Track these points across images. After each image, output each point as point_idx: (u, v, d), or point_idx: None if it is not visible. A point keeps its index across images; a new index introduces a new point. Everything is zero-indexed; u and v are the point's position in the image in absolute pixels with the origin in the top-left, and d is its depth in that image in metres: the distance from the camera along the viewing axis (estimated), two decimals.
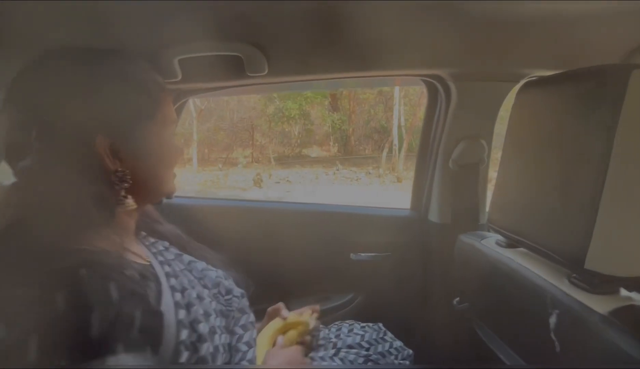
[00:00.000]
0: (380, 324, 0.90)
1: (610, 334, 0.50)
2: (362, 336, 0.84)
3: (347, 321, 0.92)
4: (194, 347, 0.49)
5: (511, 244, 0.77)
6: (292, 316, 0.78)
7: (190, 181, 7.92)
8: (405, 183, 7.08)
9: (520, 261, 0.71)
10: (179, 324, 0.48)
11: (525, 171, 0.70)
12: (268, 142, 9.07)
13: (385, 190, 6.82)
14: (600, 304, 0.54)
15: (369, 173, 8.03)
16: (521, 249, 0.75)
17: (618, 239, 0.54)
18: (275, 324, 0.77)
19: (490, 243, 0.83)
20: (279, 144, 9.28)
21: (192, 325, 0.50)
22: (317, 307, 0.85)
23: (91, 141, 0.47)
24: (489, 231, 1.03)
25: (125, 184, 0.50)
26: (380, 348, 0.82)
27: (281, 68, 0.84)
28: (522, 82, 0.92)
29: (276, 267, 1.14)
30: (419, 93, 7.72)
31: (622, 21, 0.78)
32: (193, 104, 7.79)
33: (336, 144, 9.34)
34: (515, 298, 0.70)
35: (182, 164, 8.58)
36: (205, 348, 0.50)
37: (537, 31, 0.80)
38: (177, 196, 1.21)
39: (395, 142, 7.64)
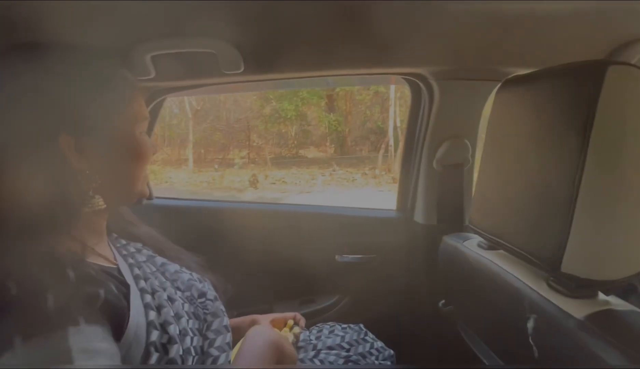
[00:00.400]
0: (361, 325, 0.90)
1: (586, 339, 0.49)
2: (343, 337, 0.84)
3: (329, 323, 0.92)
4: (164, 348, 0.49)
5: (492, 246, 0.76)
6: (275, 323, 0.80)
7: (186, 181, 7.89)
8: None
9: (500, 264, 0.69)
10: (150, 325, 0.49)
11: (505, 171, 0.68)
12: (264, 143, 9.05)
13: (381, 191, 6.81)
14: (577, 309, 0.52)
15: (365, 174, 8.01)
16: (501, 251, 0.74)
17: (595, 242, 0.52)
18: None
19: (473, 245, 0.82)
20: (276, 145, 9.27)
21: (163, 326, 0.50)
22: (300, 318, 0.85)
23: (54, 139, 0.46)
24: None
25: (93, 184, 0.48)
26: (360, 349, 0.82)
27: (257, 66, 0.82)
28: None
29: (260, 269, 1.13)
30: None
31: (605, 19, 0.77)
32: (189, 104, 7.77)
33: (332, 145, 9.33)
34: (496, 300, 0.68)
35: (178, 164, 8.58)
36: (175, 350, 0.50)
37: (520, 29, 0.79)
38: (159, 197, 1.21)
39: (391, 143, 7.64)
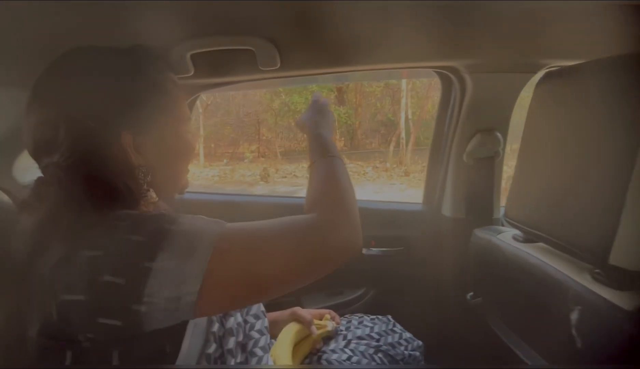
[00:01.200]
0: (389, 316, 0.91)
1: (635, 331, 0.49)
2: (372, 327, 0.86)
3: (357, 314, 0.93)
4: (220, 341, 0.54)
5: (529, 239, 0.76)
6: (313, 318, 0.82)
7: (197, 175, 7.95)
8: (412, 177, 7.04)
9: (539, 256, 0.69)
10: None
11: (546, 164, 0.68)
12: (274, 136, 9.05)
13: (393, 184, 6.78)
14: (625, 301, 0.52)
15: (376, 167, 7.98)
16: (540, 244, 0.73)
17: None
18: (295, 327, 0.80)
19: (507, 238, 0.82)
20: (285, 138, 9.27)
21: (221, 319, 0.56)
22: (335, 315, 0.87)
23: (117, 137, 0.48)
24: (504, 225, 1.02)
25: (148, 178, 0.51)
26: (390, 339, 0.83)
27: (293, 62, 0.82)
28: (542, 72, 0.89)
29: None
30: (427, 86, 7.63)
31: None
32: (199, 99, 7.79)
33: (342, 138, 9.29)
34: (534, 293, 0.68)
35: None
36: (232, 342, 0.55)
37: (556, 20, 0.77)
38: (188, 192, 1.23)
39: (403, 135, 7.56)
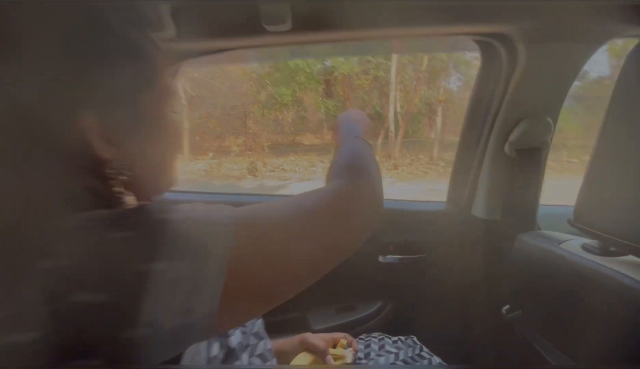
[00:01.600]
0: (414, 338, 0.83)
1: None
2: (397, 354, 0.77)
3: (375, 334, 0.84)
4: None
5: (609, 250, 0.61)
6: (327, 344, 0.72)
7: (182, 169, 7.70)
8: (401, 170, 7.02)
9: (630, 274, 0.55)
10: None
11: (637, 159, 0.53)
12: (261, 129, 8.88)
13: (383, 178, 6.68)
14: None
15: None
16: (629, 257, 0.58)
17: None
18: (307, 358, 0.69)
19: (575, 248, 0.67)
20: (272, 132, 9.11)
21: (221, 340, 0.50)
22: (353, 340, 0.77)
23: (74, 120, 0.33)
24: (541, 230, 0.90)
25: (123, 177, 0.37)
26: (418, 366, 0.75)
27: (309, 21, 0.62)
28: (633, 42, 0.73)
29: None
30: (415, 79, 7.62)
31: None
32: (183, 91, 7.54)
33: (330, 131, 9.17)
34: (611, 316, 0.56)
35: None
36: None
37: None
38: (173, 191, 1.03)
39: (392, 128, 7.52)
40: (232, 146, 8.43)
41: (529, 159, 0.87)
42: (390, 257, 1.05)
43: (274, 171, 7.68)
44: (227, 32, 0.62)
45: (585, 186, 0.62)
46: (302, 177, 7.22)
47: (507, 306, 0.82)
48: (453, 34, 0.77)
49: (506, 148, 0.87)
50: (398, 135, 7.57)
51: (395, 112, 7.64)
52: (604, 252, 0.62)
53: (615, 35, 0.71)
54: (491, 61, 0.84)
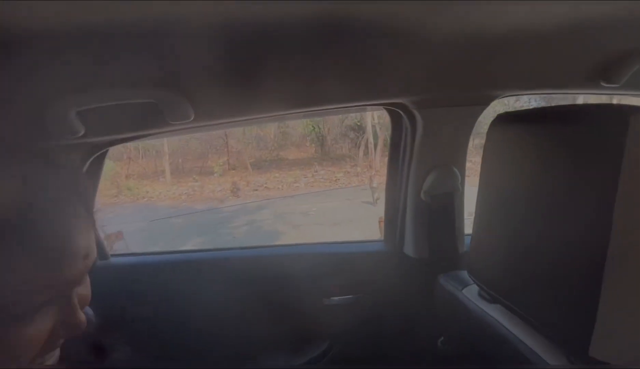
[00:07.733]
0: None
1: None
2: None
3: None
4: None
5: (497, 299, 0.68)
6: None
7: (165, 195, 7.62)
8: (383, 181, 7.07)
9: (510, 327, 0.61)
10: None
11: (507, 222, 0.60)
12: (243, 147, 8.88)
13: (364, 189, 6.76)
14: None
15: (348, 172, 7.96)
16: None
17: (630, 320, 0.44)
18: None
19: (473, 294, 0.73)
20: (255, 148, 9.11)
21: None
22: None
23: None
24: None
25: None
26: None
27: (212, 112, 0.69)
28: (494, 114, 0.81)
29: (240, 319, 1.01)
30: None
31: (592, 38, 0.68)
32: None
33: (313, 145, 9.22)
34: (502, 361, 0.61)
35: (155, 177, 8.28)
36: None
37: (503, 52, 0.70)
38: (115, 255, 1.07)
39: (371, 140, 7.63)
40: (214, 166, 8.39)
41: (443, 202, 0.95)
42: (333, 299, 1.10)
43: (257, 189, 7.66)
44: (134, 126, 0.69)
45: (474, 242, 0.68)
46: (285, 195, 7.24)
47: (442, 338, 0.87)
48: (362, 106, 0.86)
49: (422, 195, 0.95)
50: (377, 146, 7.69)
51: (373, 125, 7.76)
52: (493, 299, 0.69)
53: (494, 98, 0.80)
54: (399, 123, 0.93)
